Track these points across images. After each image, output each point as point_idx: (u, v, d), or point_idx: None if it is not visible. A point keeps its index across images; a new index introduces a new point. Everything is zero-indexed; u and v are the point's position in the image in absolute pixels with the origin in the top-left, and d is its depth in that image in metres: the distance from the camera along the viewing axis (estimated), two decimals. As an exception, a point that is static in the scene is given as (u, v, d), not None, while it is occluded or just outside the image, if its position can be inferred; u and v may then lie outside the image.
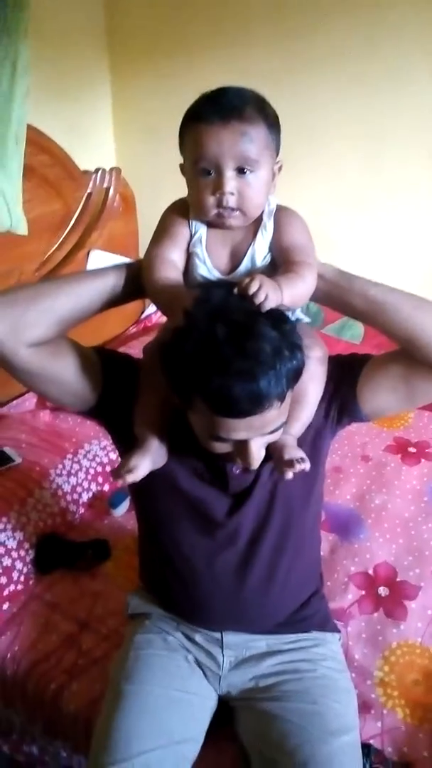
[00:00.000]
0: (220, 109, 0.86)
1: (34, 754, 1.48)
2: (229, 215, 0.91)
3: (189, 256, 0.96)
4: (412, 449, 2.10)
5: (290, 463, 0.97)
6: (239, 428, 0.89)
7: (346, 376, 1.09)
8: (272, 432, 0.94)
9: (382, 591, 1.58)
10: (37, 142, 2.17)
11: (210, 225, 0.96)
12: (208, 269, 0.95)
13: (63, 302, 0.96)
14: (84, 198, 2.49)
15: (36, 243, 2.31)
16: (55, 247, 2.43)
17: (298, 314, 1.03)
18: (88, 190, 2.49)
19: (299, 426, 1.06)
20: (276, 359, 0.85)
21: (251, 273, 0.88)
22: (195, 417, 0.95)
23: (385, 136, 2.29)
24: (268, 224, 0.95)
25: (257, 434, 0.92)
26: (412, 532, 1.75)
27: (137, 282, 0.98)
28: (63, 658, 1.43)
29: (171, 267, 0.94)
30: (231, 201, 0.90)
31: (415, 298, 0.96)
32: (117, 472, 0.99)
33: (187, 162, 0.92)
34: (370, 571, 1.63)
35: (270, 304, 0.83)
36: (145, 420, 1.04)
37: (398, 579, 1.61)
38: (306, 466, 0.98)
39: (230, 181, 0.88)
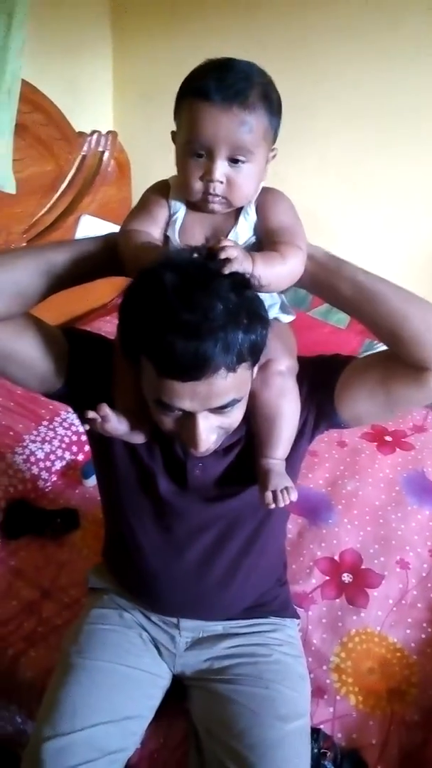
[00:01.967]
0: (224, 89, 0.81)
1: (-11, 717, 1.49)
2: (213, 200, 0.88)
3: (165, 238, 0.93)
4: (388, 438, 2.11)
5: (278, 494, 0.96)
6: (183, 394, 0.83)
7: (324, 380, 1.05)
8: (221, 409, 0.87)
9: (346, 577, 1.59)
10: (33, 100, 2.11)
11: (190, 206, 0.92)
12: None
13: (21, 276, 0.91)
14: (78, 160, 2.44)
15: (25, 204, 2.26)
16: (45, 210, 2.38)
17: (277, 313, 1.00)
18: (83, 153, 2.44)
19: (283, 448, 1.02)
20: (228, 322, 0.78)
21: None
22: (144, 382, 0.89)
23: (389, 118, 2.24)
24: (251, 207, 0.91)
25: (203, 406, 0.85)
26: (381, 520, 1.76)
27: (113, 256, 0.93)
28: (22, 624, 1.43)
29: (149, 237, 0.90)
30: (218, 189, 0.86)
31: (403, 291, 0.92)
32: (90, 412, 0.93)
33: (180, 137, 0.87)
34: (336, 557, 1.64)
35: (233, 267, 0.78)
36: (121, 404, 0.98)
37: (363, 566, 1.62)
38: (293, 497, 0.97)
39: (220, 168, 0.85)
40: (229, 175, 0.85)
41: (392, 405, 1.02)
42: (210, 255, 0.79)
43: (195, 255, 0.82)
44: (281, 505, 0.96)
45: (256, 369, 0.93)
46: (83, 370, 1.04)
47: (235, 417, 0.93)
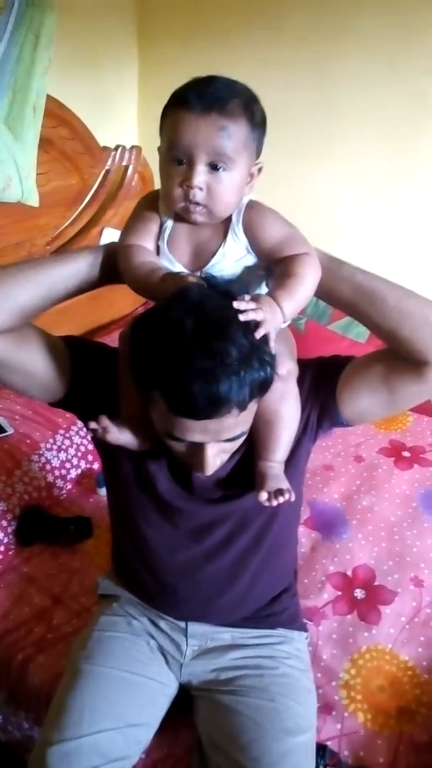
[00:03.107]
0: (204, 97, 0.82)
1: (-2, 721, 1.50)
2: (194, 210, 0.87)
3: (157, 249, 0.94)
4: (406, 453, 2.08)
5: (272, 494, 0.97)
6: (194, 429, 0.87)
7: (326, 378, 1.06)
8: (230, 440, 0.92)
9: (359, 593, 1.57)
10: (58, 115, 2.16)
11: (177, 218, 0.92)
12: (169, 262, 0.93)
13: (23, 290, 0.93)
14: (101, 174, 2.47)
15: (49, 216, 2.30)
16: (68, 222, 2.42)
17: None
18: (107, 167, 2.47)
19: (282, 451, 1.03)
20: (242, 366, 0.81)
21: (257, 296, 0.84)
22: (154, 412, 0.92)
23: (410, 125, 2.23)
24: (238, 226, 0.91)
25: (213, 439, 0.89)
26: (396, 537, 1.74)
27: (112, 267, 0.95)
28: (33, 630, 1.44)
29: (147, 253, 0.92)
30: (198, 196, 0.85)
31: (402, 288, 0.93)
32: (92, 422, 0.97)
33: (162, 146, 0.88)
34: (349, 572, 1.63)
35: (265, 330, 0.80)
36: (126, 412, 1.01)
37: (376, 583, 1.60)
38: (290, 498, 0.98)
39: (200, 175, 0.84)
40: (209, 182, 0.85)
41: (394, 401, 1.02)
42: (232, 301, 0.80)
43: (211, 290, 0.84)
44: (275, 504, 0.97)
45: None
46: (86, 378, 1.05)
47: (239, 442, 0.96)
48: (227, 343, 0.80)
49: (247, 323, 0.80)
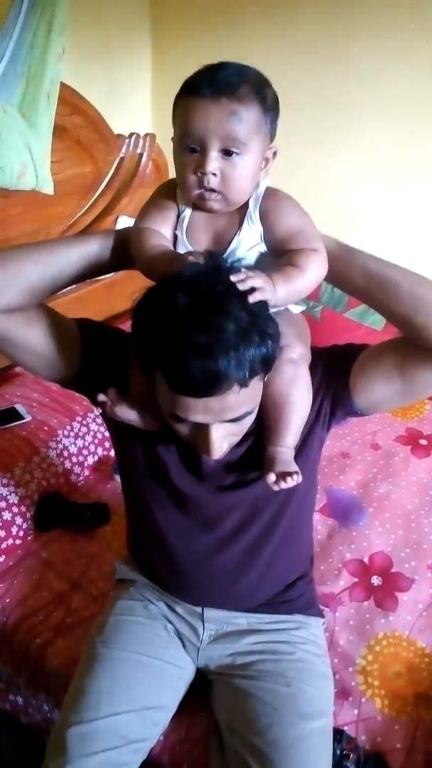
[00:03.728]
0: (214, 83, 0.81)
1: (18, 704, 1.52)
2: (209, 197, 0.87)
3: (174, 237, 0.94)
4: (423, 441, 2.07)
5: (281, 477, 0.96)
6: (197, 409, 0.85)
7: (339, 366, 1.05)
8: (235, 420, 0.90)
9: (376, 580, 1.57)
10: (72, 102, 2.15)
11: (194, 207, 0.92)
12: (187, 250, 0.92)
13: (32, 269, 0.93)
14: (116, 162, 2.47)
15: (64, 205, 2.30)
16: (83, 210, 2.42)
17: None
18: (121, 155, 2.47)
19: (291, 436, 1.02)
20: (240, 340, 0.79)
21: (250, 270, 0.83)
22: (158, 393, 0.91)
23: (427, 112, 2.20)
24: (255, 213, 0.90)
25: (216, 419, 0.88)
26: (413, 524, 1.73)
27: (124, 251, 0.95)
28: (51, 615, 1.46)
29: (161, 237, 0.92)
30: (212, 182, 0.85)
31: (415, 275, 0.91)
32: (101, 395, 0.97)
33: (175, 135, 0.87)
34: (366, 560, 1.63)
35: (258, 297, 0.80)
36: (137, 393, 1.00)
37: (393, 570, 1.60)
38: (297, 480, 0.97)
39: (213, 161, 0.83)
40: (223, 168, 0.84)
41: (408, 390, 1.01)
42: (228, 275, 0.80)
43: (207, 267, 0.83)
44: (283, 487, 0.97)
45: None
46: (97, 360, 1.06)
47: (246, 425, 0.95)
48: (223, 318, 0.79)
49: (245, 296, 0.80)
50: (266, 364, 0.87)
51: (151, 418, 0.99)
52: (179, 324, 0.79)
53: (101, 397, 0.96)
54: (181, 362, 0.79)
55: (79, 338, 1.05)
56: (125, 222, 2.51)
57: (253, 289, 0.80)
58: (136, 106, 2.67)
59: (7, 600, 1.49)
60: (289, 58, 2.29)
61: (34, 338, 1.00)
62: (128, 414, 0.98)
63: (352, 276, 0.93)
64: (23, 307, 0.95)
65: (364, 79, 2.25)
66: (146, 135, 2.51)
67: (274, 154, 0.91)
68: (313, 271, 0.87)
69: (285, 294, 0.84)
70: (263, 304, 0.83)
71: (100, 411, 1.00)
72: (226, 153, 0.84)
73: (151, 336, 0.84)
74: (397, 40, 2.14)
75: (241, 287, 0.79)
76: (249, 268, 0.90)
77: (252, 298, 0.79)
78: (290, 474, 0.97)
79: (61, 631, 1.42)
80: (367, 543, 1.67)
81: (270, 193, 0.92)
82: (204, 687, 1.23)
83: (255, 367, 0.83)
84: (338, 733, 1.21)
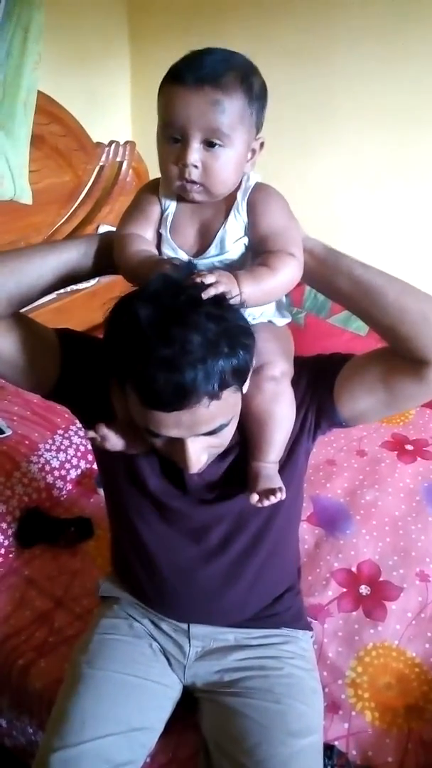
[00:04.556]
0: (198, 70, 0.78)
1: (2, 727, 1.48)
2: (191, 188, 0.84)
3: (159, 236, 0.91)
4: (409, 446, 2.06)
5: (264, 495, 0.95)
6: (168, 423, 0.83)
7: (323, 377, 1.03)
8: (211, 434, 0.88)
9: (364, 590, 1.55)
10: (50, 111, 2.14)
11: (179, 198, 0.89)
12: (172, 249, 0.90)
13: (7, 278, 0.91)
14: (96, 171, 2.46)
15: (44, 214, 2.28)
16: (63, 220, 2.40)
17: (271, 316, 0.98)
18: (101, 163, 2.46)
19: (275, 452, 1.00)
20: (207, 352, 0.77)
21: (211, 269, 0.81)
22: (132, 409, 0.88)
23: (408, 115, 2.21)
24: (242, 205, 0.88)
25: (190, 433, 0.85)
26: (401, 531, 1.72)
27: (106, 257, 0.92)
28: (34, 634, 1.42)
29: (143, 242, 0.89)
30: (194, 174, 0.82)
31: (401, 283, 0.89)
32: (90, 431, 0.96)
33: (158, 125, 0.85)
34: (354, 569, 1.61)
35: (213, 291, 0.76)
36: (121, 414, 0.97)
37: (381, 579, 1.58)
38: (281, 496, 0.95)
39: (194, 152, 0.81)
40: (205, 159, 0.82)
41: (392, 401, 1.00)
42: (192, 284, 0.78)
43: (181, 275, 0.80)
44: (266, 504, 0.95)
45: (248, 381, 0.91)
46: (77, 370, 1.03)
47: (225, 437, 0.93)
48: (188, 330, 0.76)
49: (216, 305, 0.77)
50: (239, 375, 0.84)
51: (140, 443, 0.97)
52: (142, 338, 0.77)
53: (91, 434, 0.95)
54: (148, 376, 0.77)
55: (58, 348, 1.02)
56: (106, 231, 2.49)
57: (209, 286, 0.77)
58: (116, 114, 2.65)
59: (-11, 620, 1.46)
60: (269, 63, 2.27)
61: (11, 349, 0.97)
62: (119, 444, 0.97)
63: (338, 281, 0.90)
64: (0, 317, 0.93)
65: (344, 83, 2.26)
66: (126, 143, 2.50)
67: (261, 145, 0.88)
68: (284, 275, 0.84)
69: (250, 293, 0.80)
70: (236, 313, 0.81)
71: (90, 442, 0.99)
72: (209, 144, 0.81)
73: (118, 350, 0.82)
74: (376, 45, 2.15)
75: (198, 279, 0.77)
76: (232, 262, 0.89)
77: (206, 294, 0.76)
78: (273, 491, 0.95)
79: (44, 651, 1.39)
80: (355, 552, 1.65)
81: (261, 187, 0.90)
82: (191, 705, 1.20)
83: (226, 379, 0.81)
84: (329, 749, 1.19)
